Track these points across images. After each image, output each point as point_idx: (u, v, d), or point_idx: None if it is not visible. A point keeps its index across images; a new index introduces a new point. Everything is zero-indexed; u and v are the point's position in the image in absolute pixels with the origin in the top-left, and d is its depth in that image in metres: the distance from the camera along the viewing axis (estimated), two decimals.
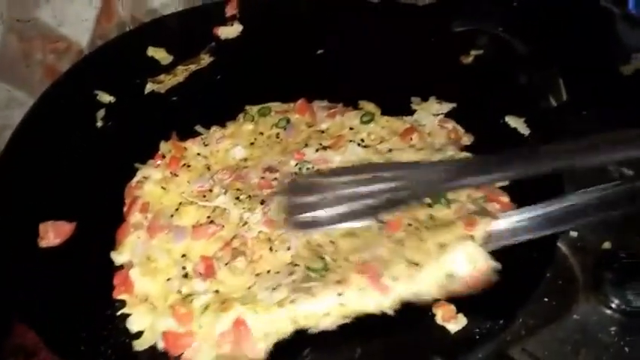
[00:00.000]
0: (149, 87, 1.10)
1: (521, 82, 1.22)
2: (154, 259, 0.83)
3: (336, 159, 0.94)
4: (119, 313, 0.78)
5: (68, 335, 0.75)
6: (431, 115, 1.02)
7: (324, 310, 0.76)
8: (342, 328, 0.76)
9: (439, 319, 0.76)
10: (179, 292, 0.79)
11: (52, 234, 0.85)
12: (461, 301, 0.77)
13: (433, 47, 1.16)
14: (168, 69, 1.14)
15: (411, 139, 0.97)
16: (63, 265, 0.80)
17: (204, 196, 0.91)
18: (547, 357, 0.88)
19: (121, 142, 1.01)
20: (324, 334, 0.75)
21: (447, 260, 0.80)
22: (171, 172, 0.95)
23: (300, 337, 0.75)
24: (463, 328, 0.75)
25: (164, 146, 0.99)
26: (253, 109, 1.05)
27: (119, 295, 0.80)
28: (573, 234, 1.03)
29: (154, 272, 0.81)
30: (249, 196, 0.89)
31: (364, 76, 1.09)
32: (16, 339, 1.12)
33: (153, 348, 0.75)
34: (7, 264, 0.83)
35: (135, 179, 0.93)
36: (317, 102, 1.05)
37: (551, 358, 0.88)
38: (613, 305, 0.93)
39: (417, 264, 0.79)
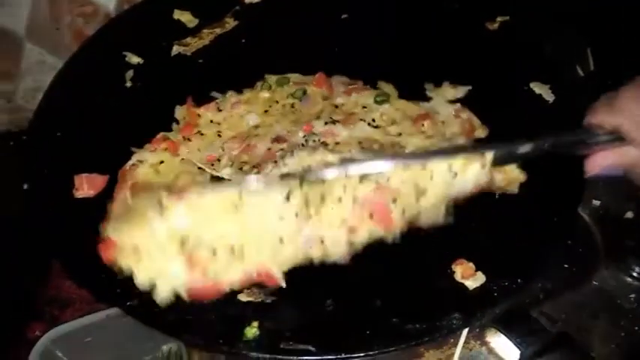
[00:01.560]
0: (175, 49, 1.11)
1: (548, 51, 1.20)
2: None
3: (344, 134, 0.94)
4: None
5: (102, 281, 0.77)
6: (446, 102, 1.00)
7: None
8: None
9: (458, 277, 0.78)
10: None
11: (87, 185, 0.88)
12: (480, 259, 0.78)
13: (457, 13, 1.15)
14: (194, 32, 1.14)
15: (423, 125, 0.96)
16: (97, 215, 0.83)
17: (213, 165, 0.93)
18: (565, 319, 0.90)
19: (149, 102, 1.03)
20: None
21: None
22: (184, 137, 0.96)
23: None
24: (481, 285, 0.76)
25: (179, 112, 1.01)
26: (272, 78, 1.05)
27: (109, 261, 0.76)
28: (596, 203, 1.03)
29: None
30: (253, 166, 0.91)
31: (386, 48, 1.09)
32: (52, 290, 1.19)
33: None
34: (45, 214, 0.87)
35: (129, 162, 0.92)
36: (337, 77, 1.05)
37: (569, 321, 0.90)
38: (634, 273, 0.94)
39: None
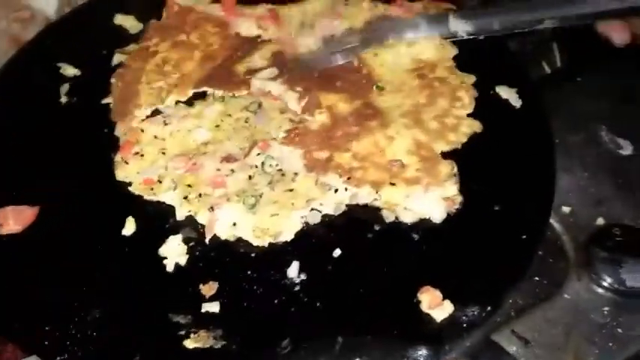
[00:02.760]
0: (117, 58, 1.02)
1: (514, 49, 1.16)
2: None
3: (302, 161, 0.87)
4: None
5: (33, 330, 0.70)
6: None
7: None
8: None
9: (424, 307, 0.72)
10: None
11: (12, 220, 0.80)
12: (447, 287, 0.73)
13: None
14: (138, 38, 1.05)
15: None
16: (25, 256, 0.75)
17: (152, 189, 0.86)
18: (537, 339, 0.85)
19: (87, 119, 0.94)
20: None
21: None
22: (122, 158, 0.89)
23: None
24: (450, 315, 0.71)
25: (119, 128, 0.92)
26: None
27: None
28: (565, 210, 0.99)
29: None
30: (199, 195, 0.84)
31: None
32: None
33: None
34: None
35: None
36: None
37: (542, 341, 0.86)
38: (606, 284, 0.90)
39: None
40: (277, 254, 0.79)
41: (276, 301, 0.75)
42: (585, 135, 1.10)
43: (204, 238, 0.81)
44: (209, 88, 0.94)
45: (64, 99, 0.97)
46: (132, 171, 0.88)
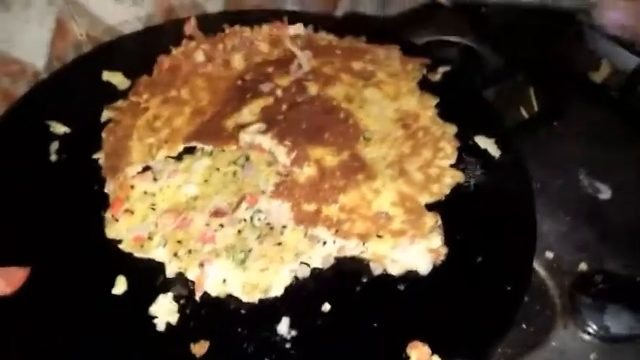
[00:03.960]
0: (105, 115, 1.04)
1: (491, 97, 1.20)
2: None
3: (289, 215, 0.89)
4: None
5: None
6: None
7: None
8: None
9: None
10: None
11: (3, 282, 0.79)
12: (435, 341, 0.74)
13: None
14: (126, 94, 1.07)
15: None
16: (16, 321, 0.75)
17: (142, 246, 0.86)
18: None
19: (77, 177, 0.95)
20: None
21: None
22: (112, 216, 0.89)
23: None
24: None
25: (109, 185, 0.93)
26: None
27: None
28: (549, 255, 1.01)
29: None
30: (189, 251, 0.85)
31: None
32: None
33: None
34: None
35: None
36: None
37: None
38: (591, 331, 0.92)
39: None
40: (267, 310, 0.80)
41: None
42: (565, 180, 1.13)
43: (195, 295, 0.81)
44: (198, 143, 0.96)
45: (53, 157, 0.98)
46: (122, 228, 0.88)
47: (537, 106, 1.32)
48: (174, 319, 0.79)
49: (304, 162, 0.92)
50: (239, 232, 0.88)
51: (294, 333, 0.77)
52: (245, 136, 0.97)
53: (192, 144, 0.96)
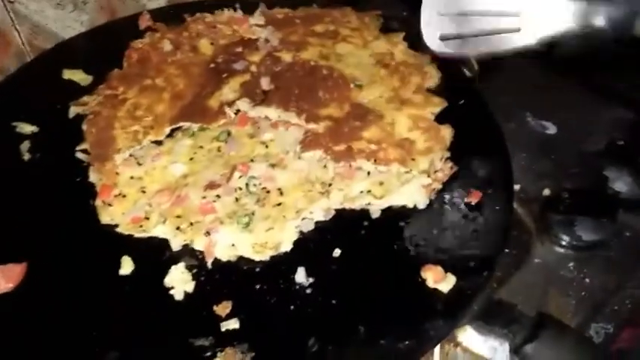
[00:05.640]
0: (73, 110, 1.02)
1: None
2: None
3: (283, 177, 0.92)
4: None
5: None
6: None
7: None
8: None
9: (430, 283, 0.78)
10: None
11: (3, 279, 0.76)
12: (444, 262, 0.80)
13: None
14: (91, 89, 1.06)
15: None
16: (22, 313, 0.73)
17: (141, 226, 0.86)
18: (521, 302, 0.94)
19: (56, 172, 0.93)
20: None
21: None
22: (103, 202, 0.88)
23: None
24: (454, 286, 0.78)
25: (93, 174, 0.92)
26: (192, 125, 1.00)
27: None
28: (516, 187, 1.10)
29: None
30: (191, 224, 0.86)
31: None
32: None
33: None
34: None
35: None
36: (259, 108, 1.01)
37: (525, 303, 0.94)
38: (565, 243, 1.02)
39: None
40: (281, 264, 0.82)
41: (292, 307, 0.77)
42: (515, 123, 1.24)
43: (206, 263, 0.82)
44: (186, 122, 0.97)
45: (26, 156, 0.95)
46: (117, 212, 0.87)
47: (477, 65, 1.43)
48: (190, 287, 0.79)
49: (317, 119, 0.96)
50: (237, 199, 0.89)
51: (312, 280, 0.80)
52: (252, 112, 0.99)
53: (180, 124, 0.97)
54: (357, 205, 0.89)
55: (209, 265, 0.82)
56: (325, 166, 0.93)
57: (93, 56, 1.12)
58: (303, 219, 0.87)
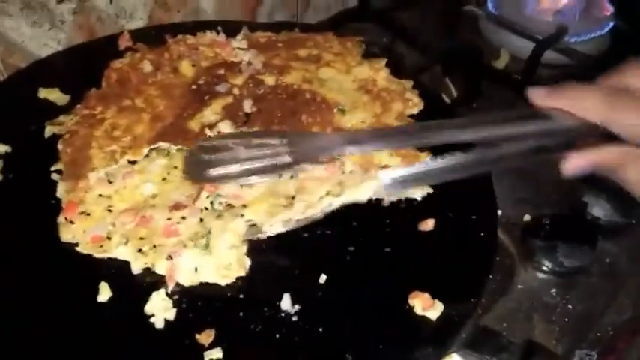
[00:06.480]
0: (49, 130, 0.98)
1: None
2: None
3: (250, 193, 0.89)
4: None
5: None
6: None
7: None
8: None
9: (419, 310, 0.77)
10: None
11: None
12: (434, 289, 0.79)
13: None
14: (68, 109, 1.03)
15: None
16: None
17: (102, 246, 0.83)
18: (506, 329, 0.93)
19: (32, 193, 0.89)
20: None
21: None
22: (66, 219, 0.85)
23: None
24: (442, 313, 0.77)
25: (61, 188, 0.89)
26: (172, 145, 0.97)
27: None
28: (498, 213, 1.11)
29: None
30: (154, 246, 0.83)
31: None
32: None
33: None
34: None
35: None
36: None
37: (510, 329, 0.94)
38: (544, 268, 1.03)
39: None
40: (266, 291, 0.80)
41: (277, 335, 0.75)
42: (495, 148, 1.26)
43: (186, 289, 0.79)
44: (165, 143, 0.94)
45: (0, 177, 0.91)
46: (78, 230, 0.84)
47: (456, 92, 1.46)
48: (171, 314, 0.76)
49: None
50: (201, 220, 0.86)
51: (297, 307, 0.78)
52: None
53: (159, 145, 0.94)
54: (319, 209, 0.87)
55: (169, 290, 0.79)
56: (292, 177, 0.91)
57: (70, 75, 1.09)
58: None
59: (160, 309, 0.77)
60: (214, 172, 0.75)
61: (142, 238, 0.84)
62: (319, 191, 0.88)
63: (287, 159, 0.76)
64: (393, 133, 0.79)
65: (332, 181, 0.89)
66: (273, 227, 0.86)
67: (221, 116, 0.99)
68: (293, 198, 0.88)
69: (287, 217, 0.86)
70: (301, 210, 0.86)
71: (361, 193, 0.87)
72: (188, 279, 0.80)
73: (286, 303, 0.78)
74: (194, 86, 1.06)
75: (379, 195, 0.89)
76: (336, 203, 0.87)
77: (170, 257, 0.81)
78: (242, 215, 0.86)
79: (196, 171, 0.80)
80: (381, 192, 0.88)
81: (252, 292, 0.80)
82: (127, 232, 0.84)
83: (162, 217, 0.86)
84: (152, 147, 0.94)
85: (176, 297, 0.79)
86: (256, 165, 0.75)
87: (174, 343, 0.73)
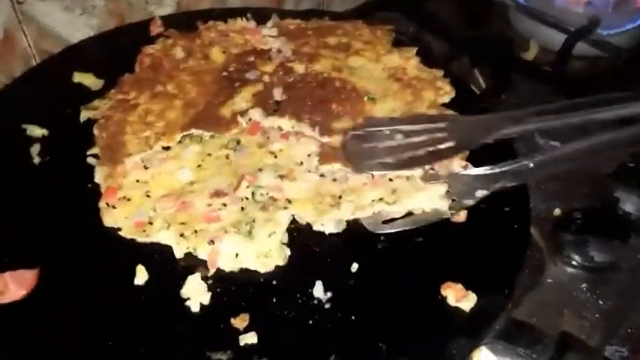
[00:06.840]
0: (84, 114, 1.00)
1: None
2: None
3: (292, 189, 0.90)
4: None
5: None
6: None
7: None
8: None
9: (452, 301, 0.77)
10: None
11: (14, 285, 0.73)
12: (467, 280, 0.79)
13: None
14: (102, 93, 1.04)
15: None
16: (32, 323, 0.70)
17: (144, 231, 0.84)
18: (537, 323, 0.93)
19: (66, 176, 0.91)
20: None
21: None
22: (107, 204, 0.86)
23: None
24: (475, 304, 0.77)
25: (99, 173, 0.90)
26: (204, 132, 0.97)
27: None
28: None
29: None
30: (195, 231, 0.84)
31: None
32: None
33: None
34: None
35: None
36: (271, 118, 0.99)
37: (540, 323, 0.93)
38: (574, 263, 1.01)
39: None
40: (298, 277, 0.80)
41: (310, 322, 0.75)
42: (524, 141, 1.25)
43: (221, 273, 0.80)
44: (198, 130, 0.95)
45: (36, 159, 0.92)
46: (120, 216, 0.85)
47: (484, 83, 1.44)
48: (206, 298, 0.77)
49: (330, 133, 0.95)
50: (242, 209, 0.87)
51: (329, 294, 0.79)
52: (265, 122, 0.98)
53: (192, 132, 0.95)
54: (369, 212, 0.87)
55: (210, 274, 0.80)
56: (335, 180, 0.92)
57: (104, 60, 1.11)
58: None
59: (195, 293, 0.78)
60: (377, 161, 0.84)
61: (182, 223, 0.85)
62: (370, 194, 0.88)
63: (450, 144, 0.84)
64: (551, 110, 0.83)
65: (385, 186, 0.89)
66: (325, 227, 0.86)
67: (252, 103, 1.00)
68: (340, 198, 0.89)
69: (337, 216, 0.87)
70: (350, 210, 0.87)
71: (416, 202, 0.87)
72: (229, 264, 0.81)
73: (319, 290, 0.79)
74: (225, 73, 1.06)
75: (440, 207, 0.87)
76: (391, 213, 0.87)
77: (212, 242, 0.82)
78: (285, 208, 0.87)
79: (359, 161, 0.87)
80: (440, 204, 0.87)
81: (285, 279, 0.81)
82: (168, 217, 0.85)
83: (203, 203, 0.87)
84: (185, 133, 0.94)
85: (210, 282, 0.79)
86: (420, 152, 0.83)
87: (209, 327, 0.74)
